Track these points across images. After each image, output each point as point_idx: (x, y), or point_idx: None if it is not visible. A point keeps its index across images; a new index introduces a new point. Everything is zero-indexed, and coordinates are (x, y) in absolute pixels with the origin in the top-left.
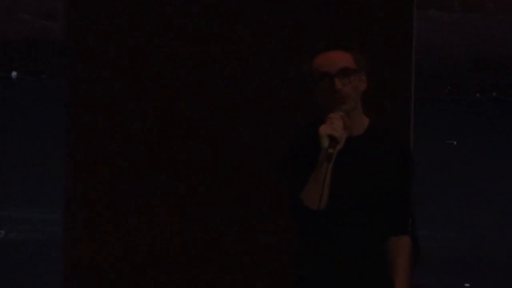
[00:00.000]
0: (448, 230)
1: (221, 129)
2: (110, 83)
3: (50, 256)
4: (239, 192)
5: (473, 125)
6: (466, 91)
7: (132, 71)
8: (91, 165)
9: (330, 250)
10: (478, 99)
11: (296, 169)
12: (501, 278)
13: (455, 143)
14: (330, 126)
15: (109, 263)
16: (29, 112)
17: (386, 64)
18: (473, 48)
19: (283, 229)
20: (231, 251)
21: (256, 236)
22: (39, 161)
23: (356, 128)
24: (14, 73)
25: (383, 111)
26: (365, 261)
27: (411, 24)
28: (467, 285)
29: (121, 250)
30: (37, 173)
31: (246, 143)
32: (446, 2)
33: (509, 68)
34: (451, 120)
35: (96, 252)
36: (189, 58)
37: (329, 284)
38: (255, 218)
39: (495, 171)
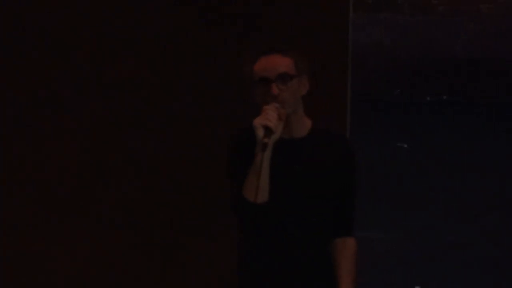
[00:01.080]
0: (397, 232)
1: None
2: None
3: None
4: (170, 200)
5: (424, 128)
6: (416, 94)
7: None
8: (8, 178)
9: (272, 248)
10: (428, 102)
11: (237, 167)
12: (452, 280)
13: (405, 146)
14: (265, 117)
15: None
16: None
17: (322, 66)
18: (422, 51)
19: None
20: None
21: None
22: None
23: (298, 130)
24: None
25: (319, 113)
26: (308, 261)
27: (347, 26)
28: (417, 287)
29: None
30: None
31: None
32: (396, 5)
33: (459, 70)
34: (402, 123)
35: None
36: (101, 53)
37: (270, 282)
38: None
39: (445, 173)
